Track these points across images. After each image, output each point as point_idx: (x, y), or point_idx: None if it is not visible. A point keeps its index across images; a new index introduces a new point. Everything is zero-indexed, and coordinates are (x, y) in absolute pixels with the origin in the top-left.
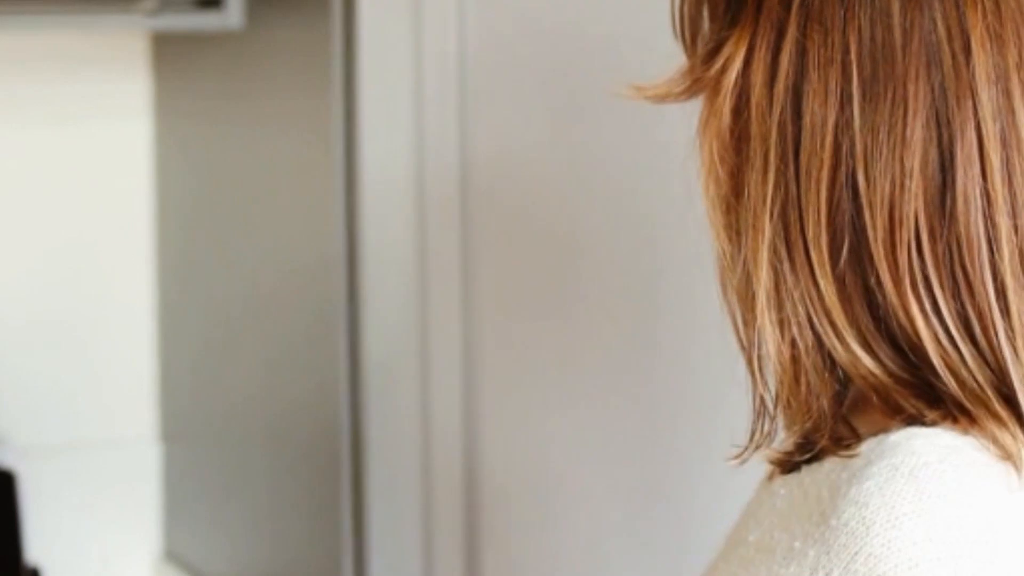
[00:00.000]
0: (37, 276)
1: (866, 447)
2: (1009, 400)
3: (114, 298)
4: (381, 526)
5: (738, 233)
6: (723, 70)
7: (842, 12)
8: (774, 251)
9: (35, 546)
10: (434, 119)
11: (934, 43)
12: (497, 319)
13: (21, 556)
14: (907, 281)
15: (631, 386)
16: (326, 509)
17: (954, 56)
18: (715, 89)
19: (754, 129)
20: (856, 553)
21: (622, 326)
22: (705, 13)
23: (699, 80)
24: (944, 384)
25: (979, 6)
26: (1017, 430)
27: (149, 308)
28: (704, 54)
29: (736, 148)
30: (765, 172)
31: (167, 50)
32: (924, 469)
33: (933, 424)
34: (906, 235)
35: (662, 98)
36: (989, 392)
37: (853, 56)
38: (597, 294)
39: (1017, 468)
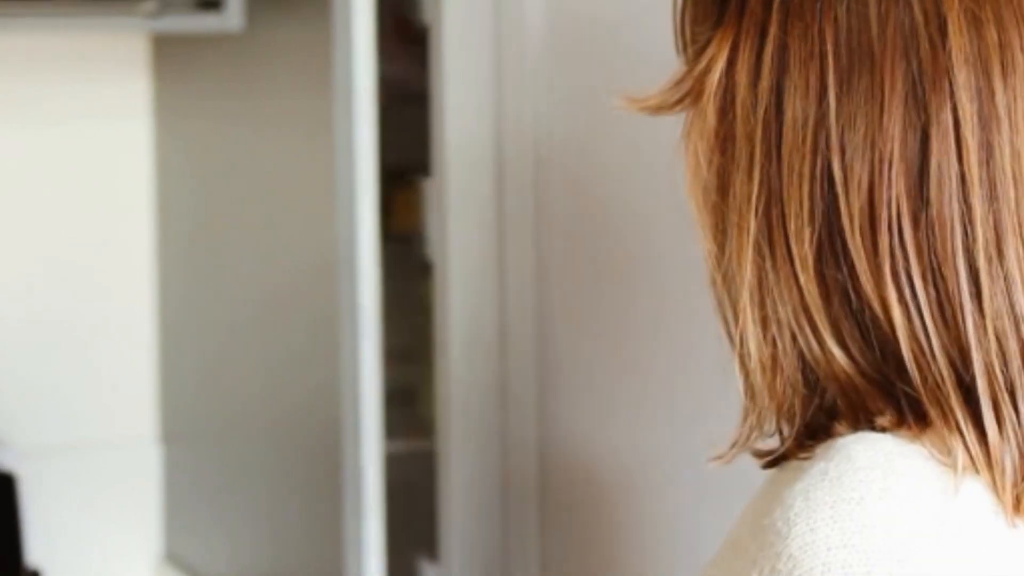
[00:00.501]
0: (37, 277)
1: (819, 450)
2: (968, 397)
3: (114, 299)
4: (461, 526)
5: (724, 232)
6: (707, 70)
7: (819, 5)
8: (758, 249)
9: (36, 548)
10: (511, 108)
11: (909, 27)
12: (570, 315)
13: (22, 558)
14: (887, 268)
15: (704, 373)
16: (327, 510)
17: (931, 39)
18: (699, 90)
19: (739, 129)
20: (779, 553)
21: (695, 316)
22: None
23: (690, 86)
24: (907, 380)
25: None
26: (970, 432)
27: (149, 309)
28: (691, 56)
29: (721, 148)
30: (750, 171)
31: (167, 51)
32: (851, 475)
33: (883, 430)
34: (886, 221)
35: (657, 109)
36: (949, 387)
37: (830, 47)
38: (671, 286)
39: (954, 474)
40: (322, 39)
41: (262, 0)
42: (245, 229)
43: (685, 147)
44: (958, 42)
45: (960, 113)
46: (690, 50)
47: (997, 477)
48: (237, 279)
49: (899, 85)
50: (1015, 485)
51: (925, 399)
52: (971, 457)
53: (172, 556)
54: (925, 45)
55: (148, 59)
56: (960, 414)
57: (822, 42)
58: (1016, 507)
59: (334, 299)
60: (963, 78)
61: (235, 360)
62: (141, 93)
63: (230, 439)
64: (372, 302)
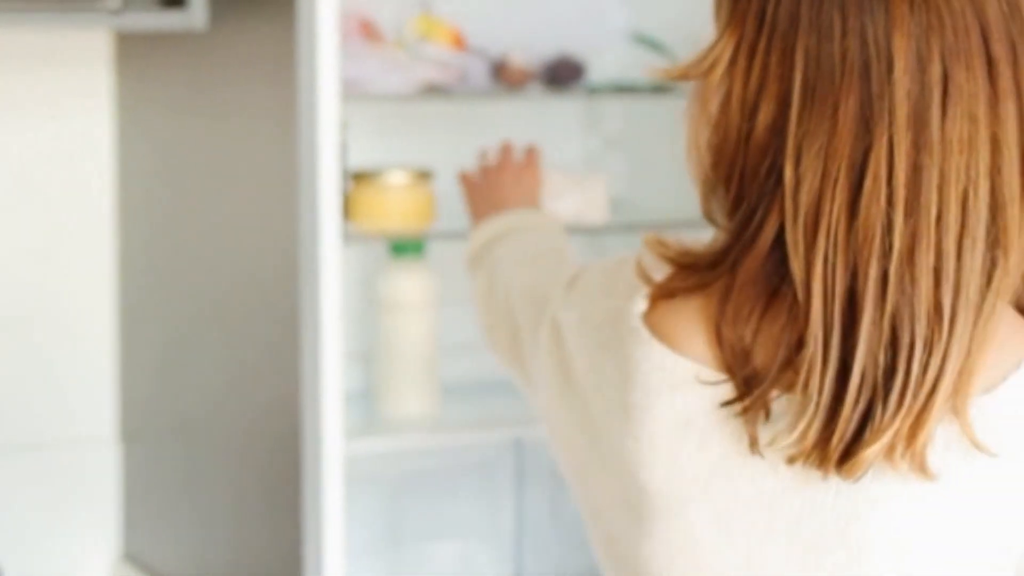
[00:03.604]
0: None
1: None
2: (841, 374)
3: (75, 297)
4: None
5: (711, 196)
6: (712, 67)
7: (794, 32)
8: (729, 216)
9: None
10: None
11: (863, 61)
12: None
13: None
14: (818, 262)
15: None
16: (285, 510)
17: (880, 73)
18: (706, 80)
19: (731, 119)
20: None
21: None
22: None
23: (702, 71)
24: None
25: (905, 30)
26: (822, 397)
27: (110, 307)
28: (706, 47)
29: (716, 131)
30: (734, 157)
31: (130, 48)
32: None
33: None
34: (826, 225)
35: (678, 78)
36: (832, 365)
37: (799, 69)
38: None
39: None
40: (285, 38)
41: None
42: (206, 227)
43: (689, 116)
44: (901, 78)
45: (896, 139)
46: (714, 30)
47: (836, 436)
48: (198, 277)
49: (852, 110)
50: (847, 443)
51: (804, 368)
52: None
53: (130, 555)
54: (876, 78)
55: (111, 55)
56: (828, 387)
57: (793, 65)
58: (840, 462)
59: (295, 298)
60: (903, 109)
61: (194, 360)
62: (104, 89)
63: (189, 438)
64: (334, 302)
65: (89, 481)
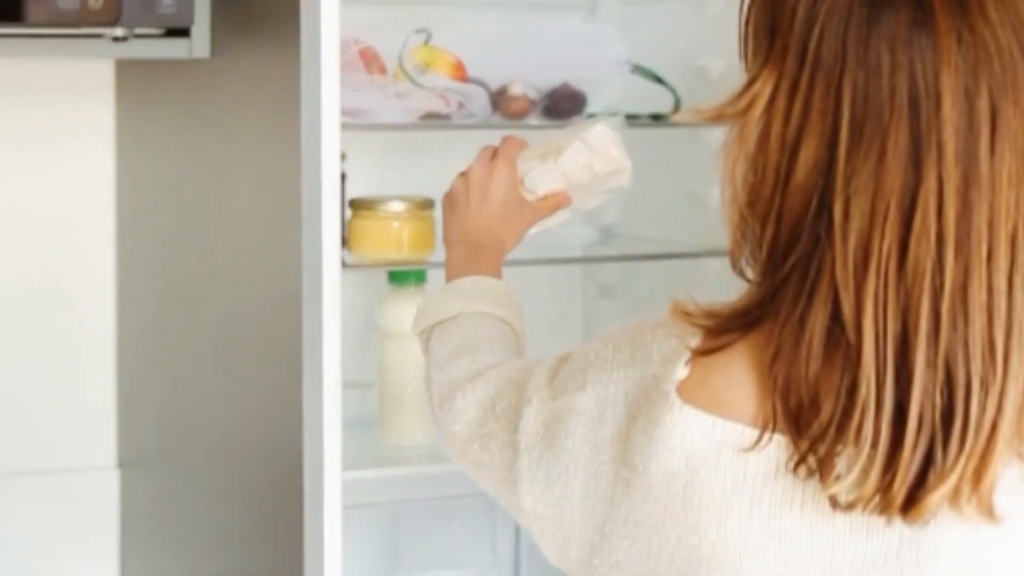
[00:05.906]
0: None
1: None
2: (896, 416)
3: (74, 324)
4: None
5: (744, 236)
6: (751, 105)
7: (840, 68)
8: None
9: None
10: None
11: (912, 97)
12: None
13: None
14: (869, 304)
15: None
16: (284, 538)
17: (928, 109)
18: (744, 118)
19: (770, 158)
20: None
21: None
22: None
23: (738, 110)
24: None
25: (953, 65)
26: (879, 445)
27: (111, 335)
28: (742, 86)
29: (755, 169)
30: (772, 195)
31: (132, 77)
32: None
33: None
34: (875, 265)
35: (713, 119)
36: (887, 407)
37: (846, 104)
38: None
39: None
40: (288, 67)
41: (228, 28)
42: (206, 257)
43: (724, 158)
44: (950, 114)
45: (945, 175)
46: (747, 70)
47: (898, 481)
48: (199, 305)
49: (901, 146)
50: (910, 487)
51: (858, 412)
52: (860, 469)
53: None
54: (924, 114)
55: (113, 85)
56: (885, 431)
57: (839, 100)
58: (905, 508)
59: (294, 326)
60: (952, 145)
61: (193, 387)
62: (105, 118)
63: (188, 465)
64: (335, 330)
65: (88, 507)
